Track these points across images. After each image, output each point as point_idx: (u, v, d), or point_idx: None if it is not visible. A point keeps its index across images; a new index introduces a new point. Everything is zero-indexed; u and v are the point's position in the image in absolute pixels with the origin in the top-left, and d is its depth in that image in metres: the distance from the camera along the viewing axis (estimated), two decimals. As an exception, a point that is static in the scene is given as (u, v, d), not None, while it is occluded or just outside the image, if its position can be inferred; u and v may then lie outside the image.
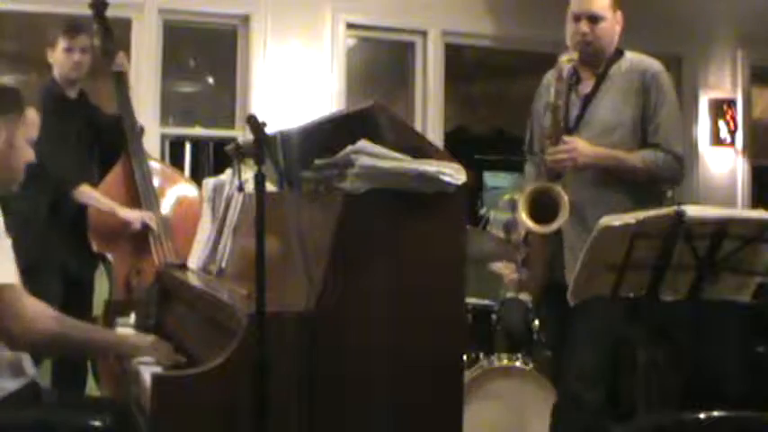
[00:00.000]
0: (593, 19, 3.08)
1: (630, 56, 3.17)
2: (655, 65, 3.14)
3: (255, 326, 1.89)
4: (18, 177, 2.55)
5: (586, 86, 3.16)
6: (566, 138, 3.04)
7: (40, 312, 2.31)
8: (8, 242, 2.34)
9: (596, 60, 3.16)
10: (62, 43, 3.74)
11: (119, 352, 2.51)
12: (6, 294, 2.25)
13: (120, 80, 3.97)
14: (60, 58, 3.75)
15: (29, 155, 2.51)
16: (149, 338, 2.47)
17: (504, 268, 4.31)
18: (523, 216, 3.01)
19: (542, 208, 3.00)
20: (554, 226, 2.97)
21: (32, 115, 2.56)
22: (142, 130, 4.01)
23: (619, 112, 3.09)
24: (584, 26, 3.08)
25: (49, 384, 3.50)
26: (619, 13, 3.16)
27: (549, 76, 3.18)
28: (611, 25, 3.13)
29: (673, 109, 3.12)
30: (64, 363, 3.65)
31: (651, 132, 3.07)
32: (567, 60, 3.08)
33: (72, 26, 3.79)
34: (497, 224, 4.44)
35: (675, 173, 3.12)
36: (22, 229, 3.50)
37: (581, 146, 3.03)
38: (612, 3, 3.14)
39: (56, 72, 3.79)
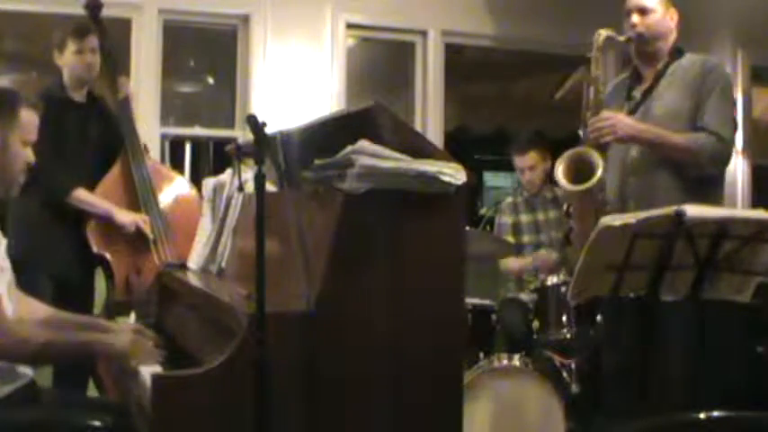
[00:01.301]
0: (642, 11, 3.21)
1: (690, 54, 3.27)
2: (713, 58, 3.27)
3: (255, 326, 1.88)
4: (16, 181, 2.48)
5: (647, 83, 3.26)
6: (605, 111, 3.12)
7: (25, 326, 2.27)
8: (1, 248, 2.31)
9: (653, 55, 3.24)
10: (72, 46, 3.70)
11: (109, 357, 2.47)
12: None
13: (124, 105, 3.90)
14: (71, 60, 3.71)
15: (27, 157, 2.46)
16: (148, 335, 2.45)
17: (544, 254, 4.25)
18: (560, 176, 3.09)
19: (579, 176, 3.07)
20: (589, 184, 3.04)
21: (28, 116, 2.49)
22: (146, 149, 3.98)
23: (679, 104, 3.16)
24: (634, 18, 3.21)
25: (49, 385, 3.49)
26: (673, 10, 3.25)
27: None
28: (663, 18, 3.23)
29: (724, 95, 3.16)
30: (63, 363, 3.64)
31: (699, 117, 3.13)
32: (602, 32, 3.19)
33: (80, 28, 3.74)
34: (504, 228, 4.42)
35: (717, 154, 3.10)
36: (20, 230, 3.52)
37: (621, 117, 3.10)
38: None
39: (66, 75, 3.75)
